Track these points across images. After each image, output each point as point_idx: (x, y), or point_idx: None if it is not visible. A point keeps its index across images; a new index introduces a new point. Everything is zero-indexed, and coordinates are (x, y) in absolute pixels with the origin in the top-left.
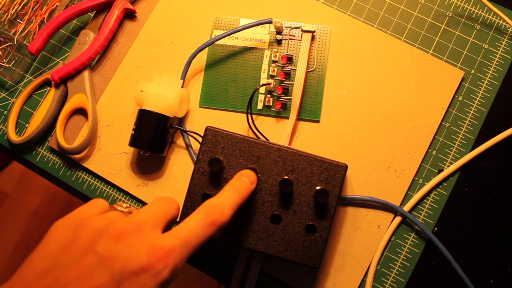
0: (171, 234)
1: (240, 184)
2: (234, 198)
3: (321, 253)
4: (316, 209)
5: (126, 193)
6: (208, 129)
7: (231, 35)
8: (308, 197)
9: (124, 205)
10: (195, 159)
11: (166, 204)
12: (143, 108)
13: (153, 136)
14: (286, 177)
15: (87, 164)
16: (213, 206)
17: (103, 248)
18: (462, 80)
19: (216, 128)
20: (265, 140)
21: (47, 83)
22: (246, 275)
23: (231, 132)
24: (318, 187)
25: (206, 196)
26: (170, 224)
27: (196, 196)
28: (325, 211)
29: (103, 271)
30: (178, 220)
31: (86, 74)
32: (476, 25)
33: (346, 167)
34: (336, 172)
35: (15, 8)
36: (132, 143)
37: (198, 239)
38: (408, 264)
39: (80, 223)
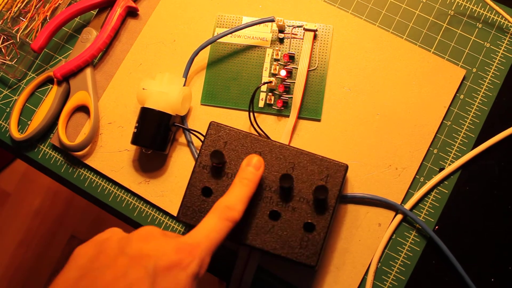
0: (192, 233)
1: (246, 175)
2: (244, 192)
3: (318, 251)
4: (315, 207)
5: (127, 190)
6: (212, 124)
7: (233, 33)
8: (308, 195)
9: None
10: (197, 156)
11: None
12: (145, 106)
13: (155, 134)
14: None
15: (89, 162)
16: (225, 205)
17: (133, 249)
18: (464, 78)
19: (220, 123)
20: (267, 138)
21: (49, 81)
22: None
23: (234, 128)
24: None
25: (206, 190)
26: None
27: (197, 189)
28: (324, 210)
29: (137, 268)
30: (178, 211)
31: (88, 71)
32: (478, 24)
33: (347, 167)
34: (336, 171)
35: (18, 6)
36: (134, 141)
37: (217, 234)
38: (409, 262)
39: (103, 241)
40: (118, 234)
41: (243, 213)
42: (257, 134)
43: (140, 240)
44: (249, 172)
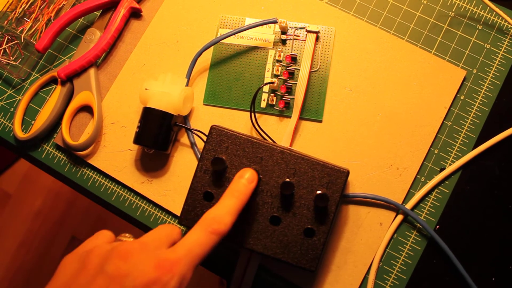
0: (175, 247)
1: (238, 188)
2: (233, 204)
3: (318, 256)
4: (316, 213)
5: (130, 189)
6: (213, 128)
7: (236, 34)
8: (309, 201)
9: (127, 234)
10: (199, 156)
11: (168, 229)
12: (148, 106)
13: (157, 134)
14: (287, 179)
15: (92, 161)
16: (212, 217)
17: (111, 268)
18: (464, 79)
19: (221, 127)
20: (268, 140)
21: (53, 81)
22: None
23: (235, 132)
24: (318, 192)
25: (207, 194)
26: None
27: (198, 193)
28: (324, 215)
29: None
30: (180, 215)
31: (92, 72)
32: (478, 25)
33: (348, 173)
34: (337, 177)
35: (23, 6)
36: (137, 140)
37: (201, 249)
38: (410, 262)
39: (87, 253)
40: (101, 247)
41: (231, 226)
42: (258, 135)
43: (119, 258)
44: (241, 184)
